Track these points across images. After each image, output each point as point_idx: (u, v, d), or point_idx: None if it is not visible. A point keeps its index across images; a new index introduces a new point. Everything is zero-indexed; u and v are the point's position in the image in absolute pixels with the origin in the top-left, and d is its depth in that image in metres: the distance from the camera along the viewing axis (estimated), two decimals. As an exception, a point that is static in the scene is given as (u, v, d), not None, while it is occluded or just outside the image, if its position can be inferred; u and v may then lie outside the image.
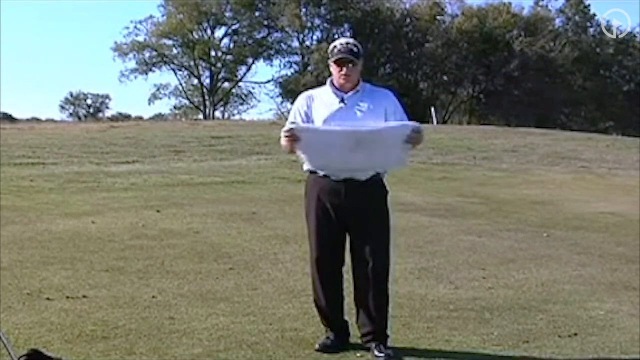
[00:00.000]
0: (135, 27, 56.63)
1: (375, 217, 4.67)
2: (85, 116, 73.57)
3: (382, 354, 4.60)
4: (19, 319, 5.19)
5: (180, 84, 59.69)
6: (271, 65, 63.85)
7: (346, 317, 4.89)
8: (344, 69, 4.68)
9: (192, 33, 56.89)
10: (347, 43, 4.73)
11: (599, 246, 8.78)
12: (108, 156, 17.98)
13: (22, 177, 13.81)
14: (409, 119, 4.83)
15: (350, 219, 4.66)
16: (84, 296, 5.83)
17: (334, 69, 4.75)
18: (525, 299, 6.17)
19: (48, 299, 5.73)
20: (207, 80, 58.48)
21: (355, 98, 4.72)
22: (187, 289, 6.16)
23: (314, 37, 55.87)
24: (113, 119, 60.09)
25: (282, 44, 57.62)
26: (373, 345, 4.67)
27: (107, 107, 77.71)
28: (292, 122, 4.70)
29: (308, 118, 4.75)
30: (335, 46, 4.74)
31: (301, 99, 4.86)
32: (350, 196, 4.63)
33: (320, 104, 4.76)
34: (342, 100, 4.71)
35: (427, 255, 7.89)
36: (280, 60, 57.93)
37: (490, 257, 7.93)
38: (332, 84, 4.78)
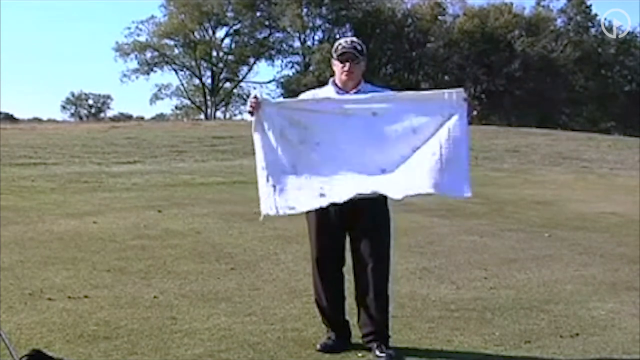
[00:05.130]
0: (137, 27, 56.75)
1: (375, 217, 4.66)
2: (86, 116, 73.64)
3: (383, 354, 4.60)
4: (20, 319, 5.19)
5: (182, 84, 59.81)
6: (272, 66, 64.05)
7: (347, 317, 4.89)
8: (347, 65, 4.68)
9: (193, 33, 56.91)
10: (352, 41, 4.76)
11: (601, 246, 8.77)
12: (109, 156, 18.01)
13: (23, 177, 13.83)
14: None
15: (350, 219, 4.65)
16: (86, 296, 5.83)
17: (336, 66, 4.74)
18: (526, 299, 6.17)
19: (49, 299, 5.73)
20: (209, 81, 58.52)
21: None
22: (188, 289, 6.16)
23: (316, 38, 55.97)
24: (114, 119, 60.19)
25: (283, 44, 57.70)
26: (374, 345, 4.66)
27: (109, 108, 77.88)
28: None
29: None
30: (340, 43, 4.76)
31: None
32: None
33: None
34: None
35: (429, 255, 7.89)
36: (282, 61, 58.06)
37: (492, 257, 7.92)
38: (334, 83, 4.77)
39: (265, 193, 4.60)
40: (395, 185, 4.48)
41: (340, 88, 4.74)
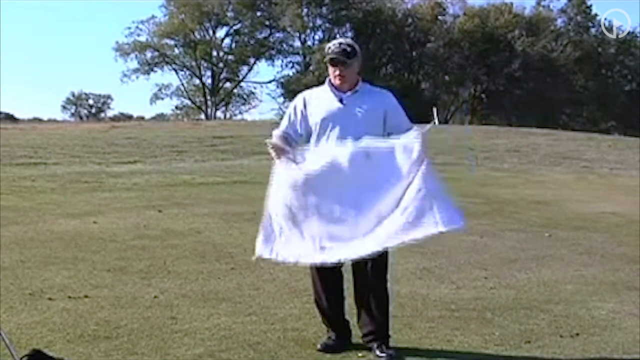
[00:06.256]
0: (137, 27, 56.83)
1: None
2: (87, 116, 73.74)
3: (384, 354, 4.60)
4: (21, 319, 5.19)
5: (182, 84, 59.83)
6: (273, 66, 64.03)
7: (347, 317, 4.89)
8: (337, 70, 4.70)
9: (193, 33, 56.94)
10: (340, 44, 4.73)
11: (601, 246, 8.77)
12: (110, 156, 18.01)
13: (24, 177, 13.83)
14: (410, 120, 4.82)
15: None
16: (86, 296, 5.83)
17: (329, 69, 4.76)
18: (527, 299, 6.17)
19: (50, 299, 5.73)
20: (209, 81, 58.57)
21: (354, 98, 4.71)
22: (189, 289, 6.16)
23: (316, 37, 56.04)
24: (115, 119, 60.33)
25: (283, 44, 57.77)
26: (375, 345, 4.67)
27: (109, 108, 78.01)
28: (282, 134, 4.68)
29: (305, 118, 4.76)
30: (329, 47, 4.76)
31: (298, 99, 4.86)
32: None
33: (319, 103, 4.75)
34: (340, 101, 4.71)
35: (429, 255, 7.88)
36: (282, 61, 58.11)
37: (492, 257, 7.93)
38: (330, 83, 4.78)
39: (269, 238, 4.63)
40: (389, 233, 4.49)
41: (336, 89, 4.75)
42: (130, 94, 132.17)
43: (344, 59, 4.67)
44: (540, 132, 30.75)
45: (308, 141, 4.75)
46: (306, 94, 4.88)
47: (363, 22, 53.49)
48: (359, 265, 4.69)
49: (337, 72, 4.69)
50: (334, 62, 4.70)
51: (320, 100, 4.76)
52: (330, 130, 4.67)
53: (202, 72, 58.73)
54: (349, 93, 4.72)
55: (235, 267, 7.01)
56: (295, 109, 4.80)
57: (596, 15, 57.61)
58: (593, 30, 57.70)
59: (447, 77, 56.52)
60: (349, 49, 4.69)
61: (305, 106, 4.78)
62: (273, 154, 4.63)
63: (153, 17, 57.56)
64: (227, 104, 61.26)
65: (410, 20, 55.15)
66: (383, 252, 4.71)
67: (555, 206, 12.66)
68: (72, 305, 5.57)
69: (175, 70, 58.86)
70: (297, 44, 57.13)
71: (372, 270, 4.66)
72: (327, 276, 4.79)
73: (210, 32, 57.88)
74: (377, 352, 4.62)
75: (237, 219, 9.75)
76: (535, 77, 52.86)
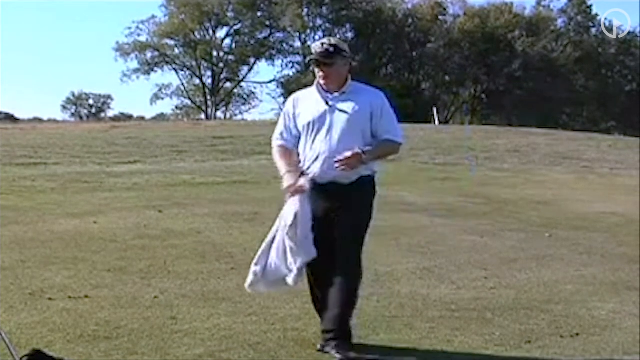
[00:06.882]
0: (137, 27, 56.83)
1: (353, 214, 4.62)
2: (87, 116, 73.73)
3: (339, 355, 4.51)
4: (21, 319, 5.19)
5: (182, 84, 59.81)
6: (273, 66, 64.11)
7: (346, 317, 4.87)
8: (321, 71, 4.67)
9: (194, 33, 56.94)
10: (323, 44, 4.68)
11: (601, 246, 8.77)
12: (110, 156, 18.00)
13: (24, 177, 13.83)
14: (400, 120, 4.82)
15: (335, 219, 4.62)
16: (86, 296, 5.83)
17: (315, 70, 4.74)
18: (527, 299, 6.17)
19: (50, 299, 5.73)
20: (209, 81, 58.56)
21: (341, 100, 4.67)
22: (189, 289, 6.16)
23: (316, 37, 55.83)
24: (115, 119, 60.32)
25: (284, 44, 57.80)
26: (332, 344, 4.57)
27: (109, 108, 77.98)
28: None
29: (295, 119, 4.76)
30: (313, 48, 4.74)
31: (289, 102, 4.87)
32: (336, 197, 4.59)
33: (307, 105, 4.74)
34: (327, 102, 4.67)
35: (429, 255, 7.88)
36: (282, 61, 58.11)
37: (493, 257, 7.92)
38: (318, 84, 4.76)
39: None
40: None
41: (324, 90, 4.73)
42: (130, 94, 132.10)
43: (325, 60, 4.63)
44: (540, 132, 30.72)
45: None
46: (296, 95, 4.88)
47: (363, 22, 53.51)
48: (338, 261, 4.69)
49: (322, 74, 4.67)
50: (316, 64, 4.68)
51: (308, 102, 4.75)
52: (317, 133, 4.66)
53: (202, 72, 58.76)
54: (336, 94, 4.69)
55: (235, 267, 7.00)
56: (287, 112, 4.80)
57: (596, 15, 57.70)
58: (593, 30, 57.72)
59: (447, 77, 56.53)
60: (331, 48, 4.63)
61: (295, 108, 4.78)
62: (288, 195, 4.70)
63: (153, 17, 57.61)
64: (227, 104, 61.28)
65: (410, 20, 55.18)
66: (356, 250, 4.68)
67: (555, 206, 12.65)
68: (72, 305, 5.57)
69: (176, 70, 58.92)
70: (298, 44, 57.20)
71: (341, 268, 4.63)
72: (321, 278, 4.75)
73: (211, 32, 57.91)
74: (333, 353, 4.52)
75: (237, 219, 9.75)
76: (536, 77, 52.88)
